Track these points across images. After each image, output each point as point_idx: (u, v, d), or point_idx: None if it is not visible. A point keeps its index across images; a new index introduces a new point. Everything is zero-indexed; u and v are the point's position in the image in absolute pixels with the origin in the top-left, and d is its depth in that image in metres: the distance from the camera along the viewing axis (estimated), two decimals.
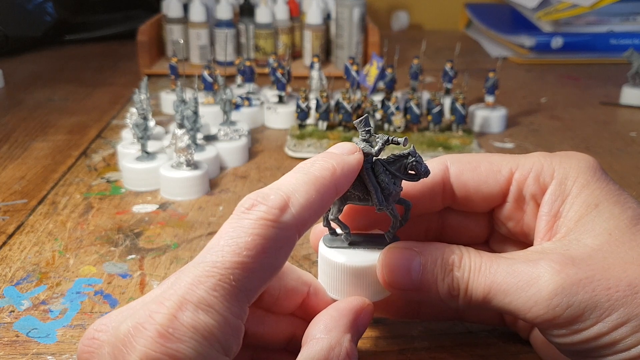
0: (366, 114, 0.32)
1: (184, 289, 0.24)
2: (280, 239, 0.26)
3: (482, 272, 0.29)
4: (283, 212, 0.27)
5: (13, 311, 0.41)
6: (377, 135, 0.32)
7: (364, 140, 0.32)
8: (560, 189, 0.31)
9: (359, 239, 0.34)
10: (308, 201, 0.27)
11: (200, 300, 0.24)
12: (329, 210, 0.33)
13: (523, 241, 0.35)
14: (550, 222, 0.31)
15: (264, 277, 0.26)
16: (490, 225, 0.36)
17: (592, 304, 0.27)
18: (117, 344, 0.24)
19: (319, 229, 0.35)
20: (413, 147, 0.32)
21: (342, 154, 0.30)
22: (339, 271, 0.33)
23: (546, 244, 0.30)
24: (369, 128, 0.31)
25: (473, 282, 0.29)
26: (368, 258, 0.33)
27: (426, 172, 0.32)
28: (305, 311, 0.34)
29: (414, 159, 0.31)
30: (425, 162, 0.32)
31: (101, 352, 0.25)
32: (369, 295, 0.33)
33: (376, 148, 0.31)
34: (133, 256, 0.48)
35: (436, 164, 0.34)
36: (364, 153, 0.31)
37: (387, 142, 0.31)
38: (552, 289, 0.27)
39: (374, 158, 0.32)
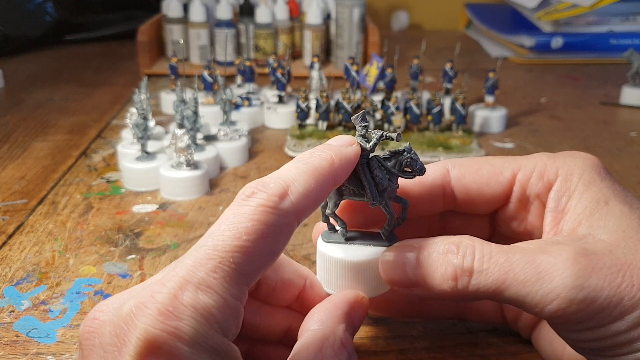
0: (363, 110, 0.32)
1: (185, 271, 0.25)
2: (279, 225, 0.27)
3: (494, 261, 0.28)
4: (282, 200, 0.27)
5: (13, 311, 0.41)
6: (372, 131, 0.32)
7: (360, 135, 0.32)
8: (565, 185, 0.31)
9: (356, 235, 0.34)
10: (307, 190, 0.28)
11: (201, 281, 0.25)
12: (327, 206, 0.33)
13: (526, 240, 0.34)
14: (556, 217, 0.31)
15: (263, 262, 0.27)
16: (492, 225, 0.36)
17: (617, 300, 0.27)
18: (119, 322, 0.24)
19: (321, 226, 0.35)
20: (409, 144, 0.32)
21: (340, 146, 0.31)
22: (334, 265, 0.33)
23: (559, 236, 0.30)
24: (366, 124, 0.32)
25: (482, 270, 0.28)
26: (363, 254, 0.33)
27: (421, 170, 0.32)
28: (301, 304, 0.35)
29: (409, 155, 0.32)
30: (421, 160, 0.32)
31: (102, 331, 0.25)
32: (365, 291, 0.33)
33: (371, 143, 0.31)
34: (133, 256, 0.48)
35: (437, 167, 0.34)
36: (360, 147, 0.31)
37: (381, 137, 0.31)
38: (579, 283, 0.27)
39: (371, 154, 0.32)
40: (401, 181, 0.34)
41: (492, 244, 0.29)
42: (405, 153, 0.32)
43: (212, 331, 0.24)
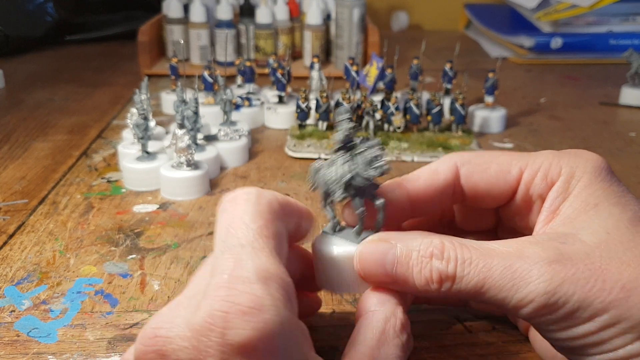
0: (344, 105, 0.33)
1: (235, 271, 0.26)
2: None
3: (475, 266, 0.29)
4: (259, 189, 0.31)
5: (14, 311, 0.41)
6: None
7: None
8: (564, 186, 0.32)
9: (345, 229, 0.34)
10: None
11: (258, 269, 0.26)
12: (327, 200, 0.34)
13: (529, 234, 0.35)
14: (548, 217, 0.32)
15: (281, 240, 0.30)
16: (498, 216, 0.37)
17: (587, 303, 0.28)
18: (195, 335, 0.24)
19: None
20: (378, 140, 0.32)
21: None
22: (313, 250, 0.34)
23: (540, 236, 0.31)
24: (343, 118, 0.32)
25: (463, 276, 0.29)
26: (340, 246, 0.33)
27: (377, 169, 0.31)
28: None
29: (368, 147, 0.32)
30: (382, 161, 0.32)
31: (173, 347, 0.25)
32: (344, 285, 0.33)
33: (339, 135, 0.32)
34: (133, 256, 0.48)
35: (447, 166, 0.35)
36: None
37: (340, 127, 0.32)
38: (551, 288, 0.28)
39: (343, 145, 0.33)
40: (412, 184, 0.34)
41: (472, 247, 0.30)
42: (369, 147, 0.32)
43: (291, 314, 0.25)
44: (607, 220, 0.30)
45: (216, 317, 0.24)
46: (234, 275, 0.25)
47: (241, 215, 0.28)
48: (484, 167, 0.34)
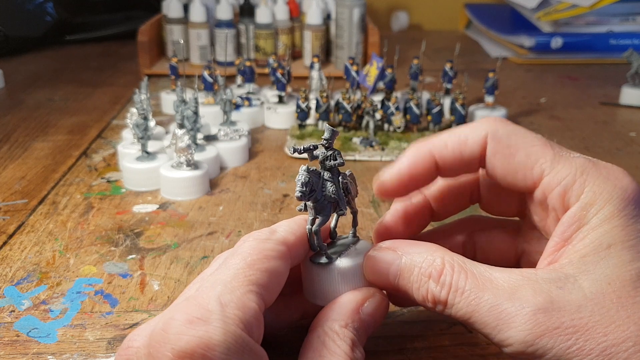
0: (332, 129, 0.33)
1: (201, 290, 0.28)
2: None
3: (465, 297, 0.29)
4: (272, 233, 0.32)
5: (13, 311, 0.41)
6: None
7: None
8: (580, 214, 0.30)
9: (335, 249, 0.34)
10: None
11: (223, 291, 0.27)
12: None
13: (546, 236, 0.34)
14: (558, 244, 0.30)
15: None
16: (523, 204, 0.36)
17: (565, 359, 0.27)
18: (152, 343, 0.26)
19: (382, 228, 0.37)
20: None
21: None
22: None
23: (541, 273, 0.29)
24: (325, 137, 0.33)
25: (454, 303, 0.30)
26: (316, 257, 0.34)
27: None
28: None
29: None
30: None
31: (138, 356, 0.27)
32: (321, 294, 0.33)
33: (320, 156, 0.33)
34: (133, 256, 0.48)
35: (477, 137, 0.33)
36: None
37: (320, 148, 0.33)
38: (529, 339, 0.27)
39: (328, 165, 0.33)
40: (439, 152, 0.34)
41: (471, 273, 0.30)
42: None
43: (244, 336, 0.26)
44: (614, 268, 0.28)
45: (167, 324, 0.26)
46: (198, 293, 0.27)
47: (243, 250, 0.30)
48: (510, 152, 0.32)
